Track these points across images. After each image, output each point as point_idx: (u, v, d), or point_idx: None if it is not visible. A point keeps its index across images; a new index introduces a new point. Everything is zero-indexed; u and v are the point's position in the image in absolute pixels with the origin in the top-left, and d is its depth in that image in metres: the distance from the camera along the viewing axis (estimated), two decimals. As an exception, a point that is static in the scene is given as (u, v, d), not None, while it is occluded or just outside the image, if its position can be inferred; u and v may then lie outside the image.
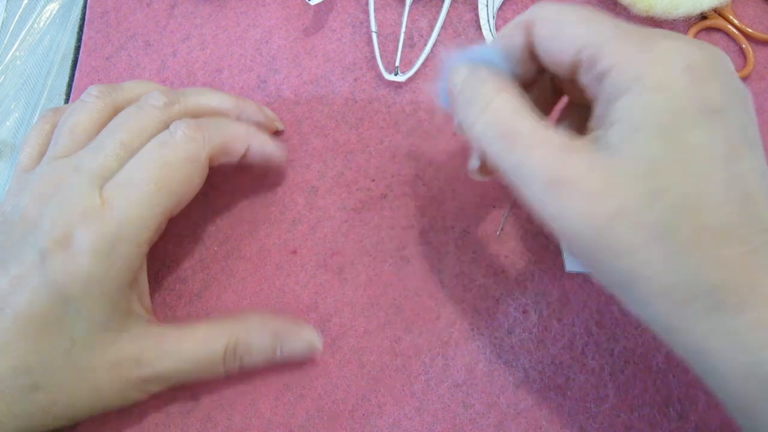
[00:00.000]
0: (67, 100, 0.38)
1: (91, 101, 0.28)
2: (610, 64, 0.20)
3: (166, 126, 0.27)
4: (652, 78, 0.20)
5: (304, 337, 0.29)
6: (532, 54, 0.23)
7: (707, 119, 0.19)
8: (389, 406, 0.29)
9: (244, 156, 0.29)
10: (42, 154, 0.28)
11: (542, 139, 0.21)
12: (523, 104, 0.22)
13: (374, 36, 0.35)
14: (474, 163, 0.26)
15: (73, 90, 0.37)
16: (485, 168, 0.26)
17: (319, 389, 0.29)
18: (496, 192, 0.32)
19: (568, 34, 0.22)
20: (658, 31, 0.21)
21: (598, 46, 0.21)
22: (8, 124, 0.38)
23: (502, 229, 0.31)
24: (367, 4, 0.36)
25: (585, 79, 0.22)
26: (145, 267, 0.28)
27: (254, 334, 0.28)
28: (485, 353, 0.29)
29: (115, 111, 0.28)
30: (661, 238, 0.19)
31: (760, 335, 0.18)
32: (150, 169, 0.25)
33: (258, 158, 0.30)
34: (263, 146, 0.30)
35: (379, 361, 0.30)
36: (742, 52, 0.34)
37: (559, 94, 0.27)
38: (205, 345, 0.27)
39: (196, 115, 0.29)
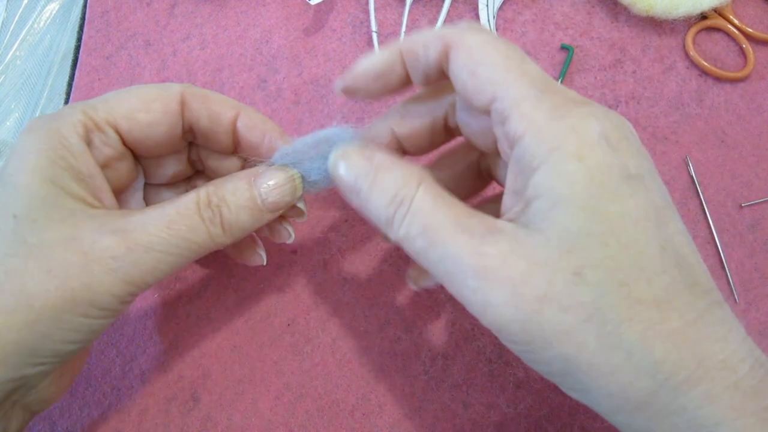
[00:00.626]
0: (67, 100, 0.38)
1: None
2: (522, 131, 0.19)
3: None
4: (569, 148, 0.18)
5: (284, 174, 0.24)
6: (440, 72, 0.22)
7: (629, 186, 0.18)
8: (389, 406, 0.29)
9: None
10: None
11: (462, 229, 0.19)
12: (441, 192, 0.20)
13: (374, 36, 0.35)
14: (412, 274, 0.27)
15: (73, 90, 0.37)
16: (420, 275, 0.26)
17: (319, 389, 0.29)
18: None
19: (482, 77, 0.20)
20: (570, 93, 0.20)
21: (509, 103, 0.19)
22: (8, 123, 0.38)
23: None
24: (367, 3, 0.36)
25: (496, 131, 0.21)
26: (93, 162, 0.23)
27: (227, 182, 0.24)
28: (485, 353, 0.29)
29: None
30: (591, 319, 0.18)
31: (713, 410, 0.17)
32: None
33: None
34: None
35: (379, 361, 0.30)
36: (742, 52, 0.34)
37: (486, 179, 0.27)
38: (175, 201, 0.23)
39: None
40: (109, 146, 0.24)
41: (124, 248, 0.21)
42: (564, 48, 0.34)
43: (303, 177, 0.25)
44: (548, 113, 0.19)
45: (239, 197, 0.23)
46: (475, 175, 0.27)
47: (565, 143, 0.18)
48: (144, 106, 0.24)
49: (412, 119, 0.25)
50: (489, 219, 0.20)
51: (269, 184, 0.24)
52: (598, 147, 0.18)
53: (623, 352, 0.18)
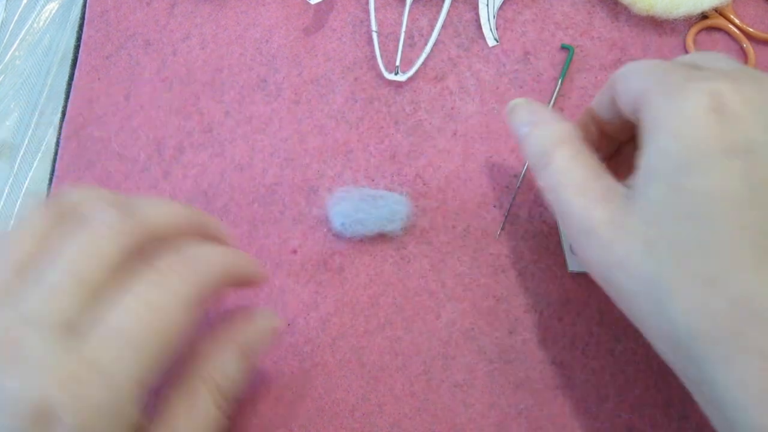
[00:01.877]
0: (66, 100, 0.37)
1: (35, 220, 0.22)
2: (645, 114, 0.21)
3: (127, 252, 0.22)
4: (669, 125, 0.20)
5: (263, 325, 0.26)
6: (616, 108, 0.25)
7: (726, 161, 0.18)
8: (389, 406, 0.29)
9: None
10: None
11: (582, 192, 0.22)
12: (579, 154, 0.23)
13: (374, 35, 0.35)
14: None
15: (72, 90, 0.37)
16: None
17: (319, 389, 0.29)
18: (496, 192, 0.32)
19: (630, 87, 0.23)
20: (703, 73, 0.21)
21: (643, 94, 0.21)
22: (8, 123, 0.38)
23: (502, 229, 0.31)
24: (367, 3, 0.36)
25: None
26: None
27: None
28: (485, 353, 0.29)
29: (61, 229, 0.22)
30: (649, 288, 0.20)
31: (743, 395, 0.17)
32: (142, 319, 0.20)
33: (241, 283, 0.26)
34: (248, 269, 0.26)
35: (379, 361, 0.29)
36: (743, 52, 0.34)
37: None
38: None
39: (155, 235, 0.23)
40: None
41: None
42: (564, 48, 0.34)
43: (354, 222, 0.30)
44: (664, 94, 0.20)
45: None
46: None
47: (667, 121, 0.20)
48: None
49: (603, 107, 0.26)
50: (610, 183, 0.22)
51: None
52: (701, 121, 0.19)
53: (668, 321, 0.19)
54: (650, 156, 0.20)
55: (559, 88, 0.33)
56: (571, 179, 0.23)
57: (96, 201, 0.23)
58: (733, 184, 0.18)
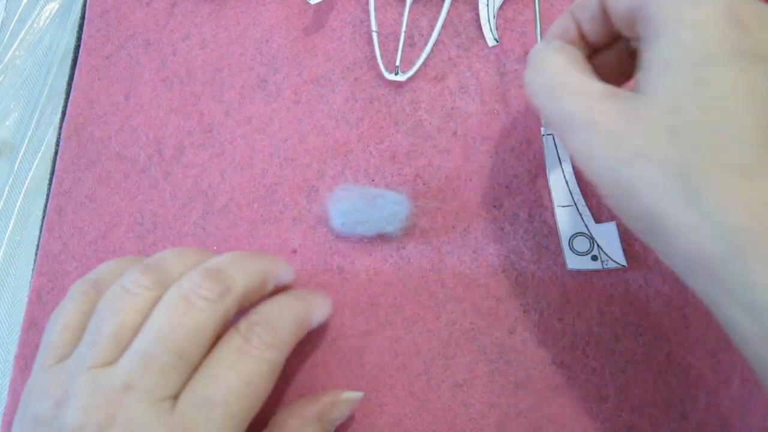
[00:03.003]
0: (66, 100, 0.37)
1: (136, 291, 0.24)
2: (654, 8, 0.20)
3: (222, 324, 0.24)
4: (687, 18, 0.19)
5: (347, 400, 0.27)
6: (605, 16, 0.24)
7: (744, 61, 0.19)
8: (389, 406, 0.29)
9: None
10: (74, 342, 0.24)
11: (582, 89, 0.21)
12: (574, 61, 0.23)
13: (374, 35, 0.35)
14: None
15: (72, 89, 0.37)
16: None
17: (319, 389, 0.29)
18: (496, 192, 0.32)
19: None
20: None
21: None
22: (8, 123, 0.38)
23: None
24: (367, 3, 0.36)
25: (639, 30, 0.22)
26: None
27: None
28: (486, 353, 0.29)
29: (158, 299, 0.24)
30: (679, 176, 0.18)
31: None
32: (232, 387, 0.22)
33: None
34: (321, 316, 0.28)
35: (379, 361, 0.29)
36: (743, 52, 0.34)
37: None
38: None
39: (244, 302, 0.26)
40: None
41: None
42: (564, 48, 0.34)
43: (353, 222, 0.30)
44: None
45: None
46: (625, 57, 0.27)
47: (685, 15, 0.19)
48: None
49: (588, 9, 0.26)
50: (611, 87, 0.21)
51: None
52: (720, 21, 0.19)
53: (702, 213, 0.18)
54: (664, 49, 0.20)
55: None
56: (568, 81, 0.22)
57: (193, 275, 0.24)
58: (759, 84, 0.18)
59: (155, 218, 0.34)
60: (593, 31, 0.25)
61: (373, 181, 0.33)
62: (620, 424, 0.28)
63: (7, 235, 0.36)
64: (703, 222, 0.18)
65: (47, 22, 0.41)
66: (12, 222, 0.36)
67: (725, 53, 0.19)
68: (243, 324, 0.24)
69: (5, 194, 0.37)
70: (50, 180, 0.36)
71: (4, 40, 0.40)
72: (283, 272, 0.28)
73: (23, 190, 0.37)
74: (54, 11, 0.41)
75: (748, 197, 0.17)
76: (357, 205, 0.30)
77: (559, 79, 0.22)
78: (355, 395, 0.27)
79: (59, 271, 0.33)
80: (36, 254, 0.34)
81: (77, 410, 0.21)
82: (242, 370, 0.23)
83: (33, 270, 0.34)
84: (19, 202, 0.37)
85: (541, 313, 0.30)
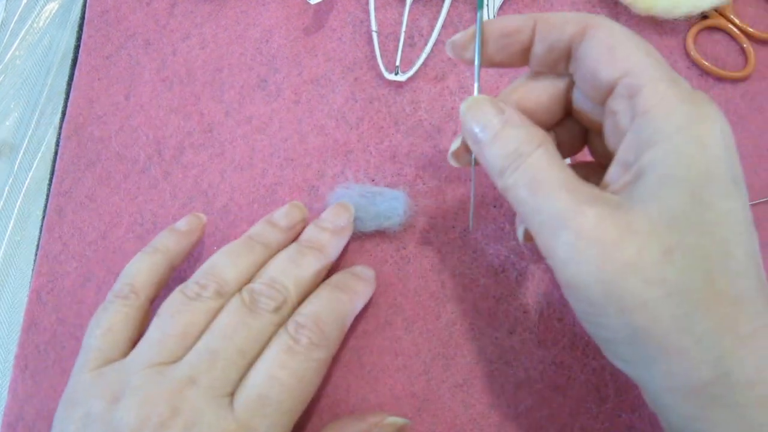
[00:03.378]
0: (66, 100, 0.37)
1: (197, 297, 0.26)
2: (652, 105, 0.20)
3: (281, 324, 0.26)
4: (695, 132, 0.19)
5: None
6: (566, 50, 0.23)
7: (735, 189, 0.19)
8: (389, 406, 0.29)
9: None
10: (118, 344, 0.26)
11: (568, 189, 0.20)
12: (555, 154, 0.21)
13: (374, 35, 0.35)
14: (455, 146, 0.25)
15: (72, 89, 0.37)
16: (463, 154, 0.26)
17: (319, 389, 0.29)
18: (496, 192, 0.32)
19: (619, 54, 0.21)
20: (699, 92, 0.21)
21: (644, 79, 0.20)
22: (8, 123, 0.38)
23: (471, 223, 0.31)
24: (367, 3, 0.36)
25: (616, 106, 0.21)
26: None
27: None
28: (486, 353, 0.29)
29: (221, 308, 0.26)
30: (673, 297, 0.18)
31: (765, 413, 0.18)
32: (284, 384, 0.24)
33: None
34: (365, 298, 0.29)
35: (379, 361, 0.29)
36: (743, 52, 0.34)
37: (583, 144, 0.27)
38: None
39: (297, 302, 0.27)
40: None
41: None
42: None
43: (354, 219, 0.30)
44: (681, 96, 0.20)
45: None
46: (576, 137, 0.27)
47: (693, 127, 0.19)
48: None
49: (537, 91, 0.25)
50: (596, 189, 0.21)
51: None
52: (720, 142, 0.19)
53: (693, 337, 0.18)
54: (665, 161, 0.19)
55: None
56: (550, 176, 0.20)
57: (257, 285, 0.26)
58: (741, 212, 0.19)
59: (155, 218, 0.34)
60: (541, 57, 0.23)
61: (373, 180, 0.33)
62: (620, 424, 0.28)
63: (7, 235, 0.36)
64: (695, 346, 0.18)
65: (47, 22, 0.41)
66: (12, 222, 0.36)
67: (725, 177, 0.19)
68: (291, 325, 0.25)
69: (5, 194, 0.37)
70: (50, 180, 0.36)
71: (4, 40, 0.40)
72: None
73: (23, 190, 0.37)
74: (54, 11, 0.41)
75: (737, 328, 0.18)
76: (356, 203, 0.30)
77: (543, 174, 0.21)
78: (401, 421, 0.27)
79: (59, 271, 0.33)
80: (36, 254, 0.34)
81: (139, 404, 0.22)
82: (294, 368, 0.24)
83: (33, 270, 0.34)
84: (19, 202, 0.37)
85: (542, 313, 0.30)
